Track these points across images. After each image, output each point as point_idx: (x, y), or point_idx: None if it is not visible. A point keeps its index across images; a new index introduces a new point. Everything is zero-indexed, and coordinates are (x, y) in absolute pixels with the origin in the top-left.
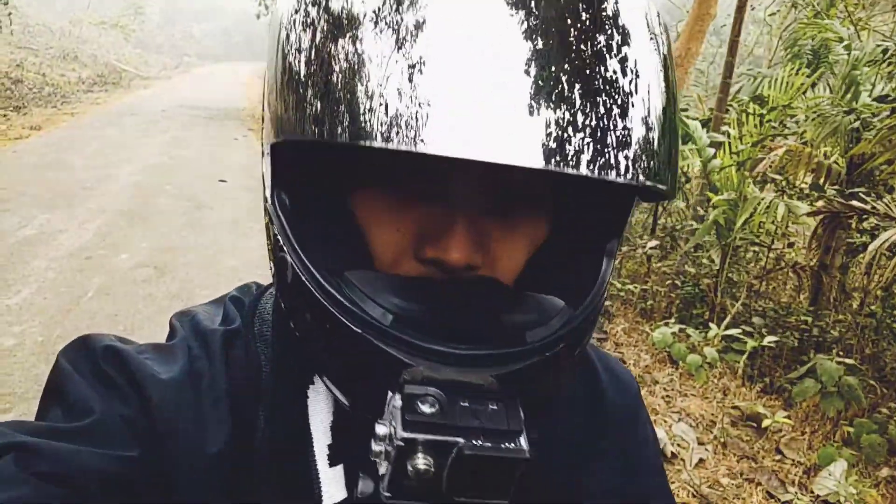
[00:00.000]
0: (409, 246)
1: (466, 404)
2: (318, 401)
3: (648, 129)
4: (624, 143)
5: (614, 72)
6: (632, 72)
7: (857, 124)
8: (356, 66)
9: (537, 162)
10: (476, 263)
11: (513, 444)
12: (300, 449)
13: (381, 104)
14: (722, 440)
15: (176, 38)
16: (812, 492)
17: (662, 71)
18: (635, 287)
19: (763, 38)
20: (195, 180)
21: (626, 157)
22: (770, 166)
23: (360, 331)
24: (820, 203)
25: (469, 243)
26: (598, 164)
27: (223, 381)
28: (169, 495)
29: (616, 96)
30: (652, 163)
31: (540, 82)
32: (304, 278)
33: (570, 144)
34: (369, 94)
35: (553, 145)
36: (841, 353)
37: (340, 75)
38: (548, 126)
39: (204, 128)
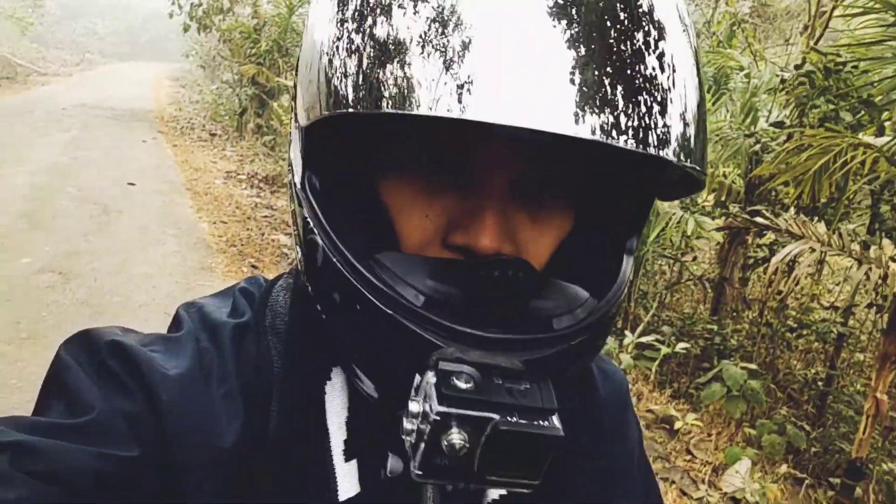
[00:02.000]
0: (438, 232)
1: (500, 382)
2: (334, 396)
3: (686, 110)
4: (663, 120)
5: (656, 58)
6: (671, 55)
7: (757, 147)
8: (401, 41)
9: (568, 128)
10: (504, 251)
11: (547, 423)
12: (317, 444)
13: (425, 75)
14: None
15: (78, 34)
16: (720, 489)
17: (695, 55)
18: None
19: None
20: (101, 183)
21: (666, 134)
22: None
23: (390, 311)
24: (721, 220)
25: (498, 231)
26: (638, 137)
27: (234, 375)
28: (175, 493)
29: (656, 76)
30: (688, 142)
31: (581, 57)
32: (334, 259)
33: (612, 116)
34: (413, 66)
35: (591, 115)
36: (740, 360)
37: (384, 48)
38: (586, 96)
39: (109, 129)
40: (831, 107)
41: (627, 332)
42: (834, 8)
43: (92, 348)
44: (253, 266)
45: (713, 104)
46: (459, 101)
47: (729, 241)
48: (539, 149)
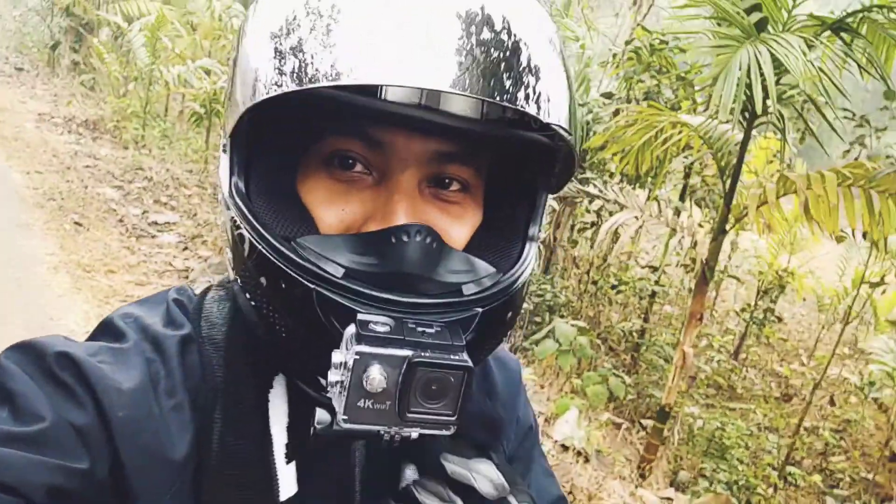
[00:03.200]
0: (355, 224)
1: (413, 326)
2: (276, 403)
3: (553, 76)
4: (526, 80)
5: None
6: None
7: (589, 117)
8: (299, 39)
9: (445, 84)
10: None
11: (456, 356)
12: (261, 449)
13: (312, 56)
14: None
15: None
16: (551, 437)
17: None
18: None
19: None
20: None
21: (536, 95)
22: None
23: (312, 285)
24: None
25: (409, 215)
26: (499, 91)
27: (181, 386)
28: None
29: (520, 44)
30: (552, 102)
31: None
32: (259, 246)
33: (484, 77)
34: (304, 51)
35: (462, 74)
36: (569, 315)
37: (287, 50)
38: (459, 56)
39: None
40: (655, 82)
41: None
42: None
43: (38, 357)
44: (77, 224)
45: None
46: (336, 70)
47: (560, 206)
48: (439, 145)
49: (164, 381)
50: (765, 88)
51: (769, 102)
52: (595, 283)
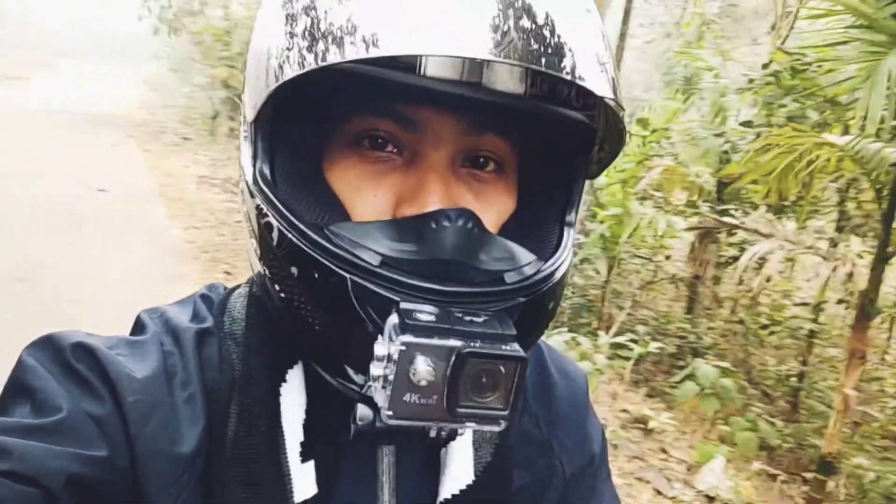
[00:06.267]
0: (387, 209)
1: (460, 315)
2: (290, 399)
3: (598, 48)
4: (575, 51)
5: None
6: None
7: (726, 147)
8: (318, 18)
9: (490, 54)
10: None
11: (508, 346)
12: (272, 446)
13: (338, 27)
14: (614, 442)
15: (41, 35)
16: (695, 487)
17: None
18: None
19: (639, 64)
20: (71, 189)
21: (578, 63)
22: (649, 183)
23: (348, 274)
24: (695, 219)
25: (443, 197)
26: (548, 62)
27: (197, 379)
28: (138, 496)
29: (571, 19)
30: (604, 75)
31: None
32: (290, 235)
33: (532, 47)
34: (329, 23)
35: (507, 41)
36: (714, 357)
37: (308, 30)
38: (497, 23)
39: (76, 133)
40: (797, 106)
41: (602, 333)
42: (798, 9)
43: (57, 351)
44: (227, 273)
45: (683, 102)
46: (370, 42)
47: (701, 240)
48: (474, 118)
49: (180, 372)
50: None
51: None
52: (741, 322)
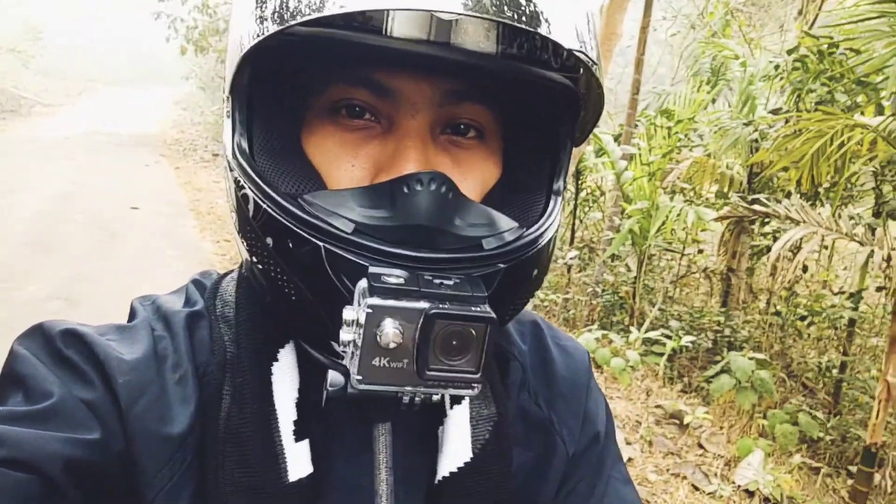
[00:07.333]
0: (365, 178)
1: (430, 278)
2: (282, 378)
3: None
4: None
5: None
6: None
7: (755, 135)
8: None
9: (458, 6)
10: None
11: (478, 308)
12: (265, 426)
13: None
14: (648, 439)
15: (81, 62)
16: (733, 482)
17: None
18: (557, 297)
19: (665, 57)
20: (106, 207)
21: (548, 17)
22: (679, 177)
23: (321, 242)
24: (725, 209)
25: (420, 165)
26: (518, 17)
27: (188, 360)
28: (133, 477)
29: None
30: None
31: None
32: (265, 205)
33: (501, 2)
34: None
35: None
36: (751, 350)
37: None
38: None
39: (112, 154)
40: (826, 90)
41: (633, 328)
42: None
43: (46, 339)
44: None
45: (709, 93)
46: (332, 1)
47: (732, 232)
48: (450, 85)
49: (171, 355)
50: None
51: None
52: (778, 313)
